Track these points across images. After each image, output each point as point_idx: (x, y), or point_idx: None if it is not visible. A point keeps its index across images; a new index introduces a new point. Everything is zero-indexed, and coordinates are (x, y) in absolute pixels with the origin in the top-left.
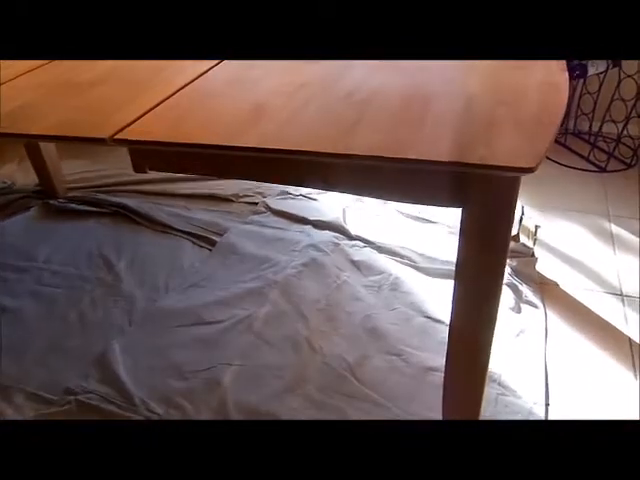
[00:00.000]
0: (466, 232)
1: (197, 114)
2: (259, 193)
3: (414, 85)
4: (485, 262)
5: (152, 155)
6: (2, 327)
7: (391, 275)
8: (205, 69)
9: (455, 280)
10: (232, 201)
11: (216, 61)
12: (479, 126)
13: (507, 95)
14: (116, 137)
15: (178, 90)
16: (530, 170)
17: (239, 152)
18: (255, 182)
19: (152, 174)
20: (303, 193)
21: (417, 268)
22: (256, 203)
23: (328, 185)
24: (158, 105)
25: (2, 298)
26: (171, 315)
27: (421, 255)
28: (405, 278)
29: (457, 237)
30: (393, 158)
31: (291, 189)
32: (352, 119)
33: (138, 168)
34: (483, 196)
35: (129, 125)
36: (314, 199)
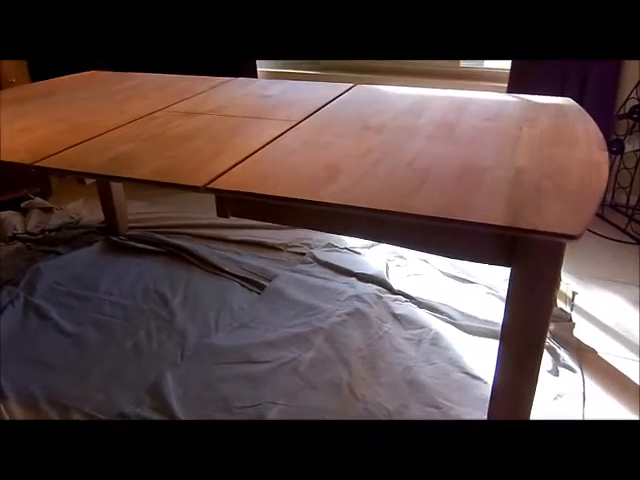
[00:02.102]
0: (513, 292)
1: (278, 170)
2: (306, 244)
3: (467, 156)
4: (530, 321)
5: (236, 203)
6: (65, 350)
7: (431, 330)
8: (281, 131)
9: (500, 338)
10: (281, 250)
11: (291, 124)
12: (528, 195)
13: (552, 169)
14: (209, 186)
15: (260, 148)
16: (575, 237)
17: (317, 206)
18: (303, 234)
19: (207, 220)
20: (348, 247)
21: (456, 325)
22: (303, 253)
23: (388, 239)
24: (243, 160)
25: (66, 323)
26: (221, 352)
27: (461, 313)
28: (445, 334)
29: (495, 297)
30: (456, 220)
31: (337, 242)
32: (415, 183)
33: (221, 213)
34: (531, 259)
35: (219, 176)
36: (358, 253)
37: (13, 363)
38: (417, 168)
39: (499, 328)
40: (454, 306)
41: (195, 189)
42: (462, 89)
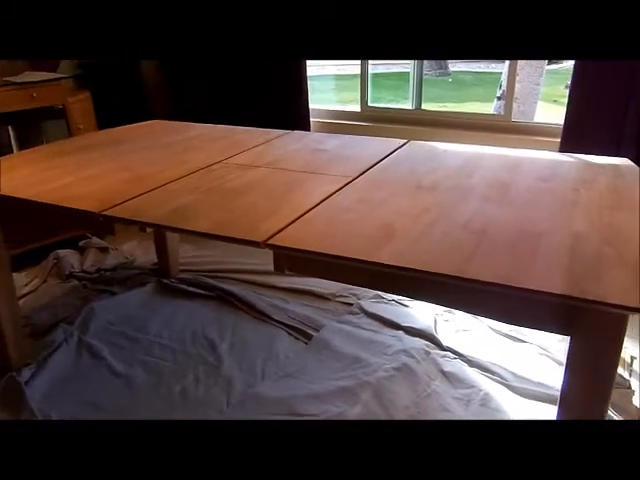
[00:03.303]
0: (573, 361)
1: (334, 228)
2: (354, 294)
3: (523, 219)
4: (591, 392)
5: (292, 259)
6: (115, 391)
7: (481, 390)
8: (337, 187)
9: (559, 405)
10: (328, 299)
11: (346, 181)
12: (588, 263)
13: (612, 235)
14: (268, 242)
15: (316, 205)
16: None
17: (373, 267)
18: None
19: (255, 265)
20: (395, 299)
21: (508, 386)
22: (351, 304)
23: (445, 302)
24: (300, 217)
25: (117, 364)
26: (266, 402)
27: (512, 373)
28: (495, 395)
29: (548, 359)
30: (519, 288)
31: (384, 294)
32: (471, 247)
33: (278, 268)
34: (593, 329)
35: (278, 232)
36: (406, 305)
37: (65, 401)
38: (472, 230)
39: (553, 392)
40: (505, 366)
41: (255, 244)
42: (513, 143)
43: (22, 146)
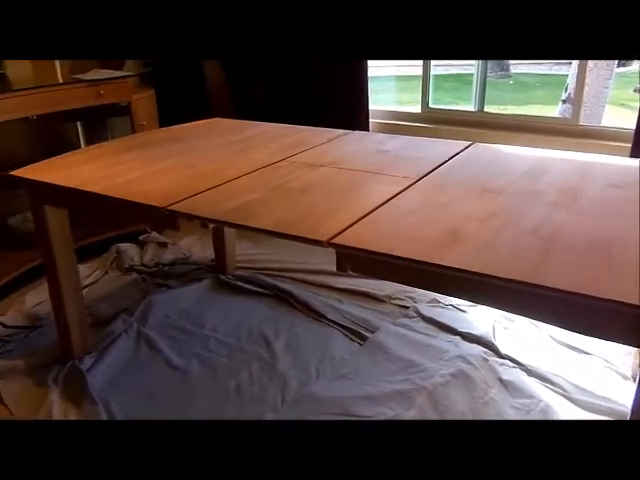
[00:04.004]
0: None
1: (398, 230)
2: (410, 298)
3: (594, 226)
4: None
5: (355, 259)
6: (171, 383)
7: (541, 401)
8: (399, 189)
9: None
10: (384, 302)
11: (409, 182)
12: None
13: None
14: (331, 241)
15: (379, 206)
16: None
17: (438, 269)
18: (408, 286)
19: (311, 265)
20: (453, 303)
21: (569, 399)
22: (407, 307)
23: (507, 307)
24: (363, 218)
25: (174, 356)
26: (320, 402)
27: (574, 385)
28: (556, 407)
29: (613, 372)
30: (590, 296)
31: (441, 297)
32: (541, 253)
33: (341, 268)
34: None
35: (341, 233)
36: (463, 311)
37: (123, 390)
38: (542, 237)
39: (618, 406)
40: (567, 377)
41: (318, 243)
42: (580, 148)
43: (89, 141)
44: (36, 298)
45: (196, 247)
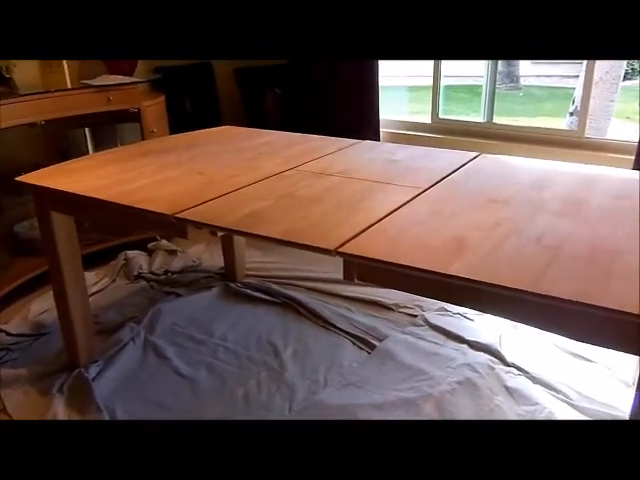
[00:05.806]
0: None
1: (405, 239)
2: (418, 306)
3: (598, 236)
4: None
5: (363, 268)
6: (179, 391)
7: (545, 408)
8: (408, 198)
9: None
10: (392, 310)
11: (417, 192)
12: None
13: None
14: (339, 250)
15: (387, 215)
16: None
17: (444, 278)
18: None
19: (320, 273)
20: (460, 312)
21: (573, 406)
22: (415, 315)
23: (512, 316)
24: (371, 226)
25: (182, 365)
26: (328, 410)
27: (578, 393)
28: (560, 414)
29: (615, 380)
30: (592, 305)
31: (449, 306)
32: (545, 262)
33: (348, 276)
34: None
35: (348, 241)
36: (470, 319)
37: (130, 399)
38: (546, 246)
39: (619, 413)
40: (571, 385)
41: (327, 252)
42: (585, 159)
43: (97, 147)
44: (41, 306)
45: (205, 255)
